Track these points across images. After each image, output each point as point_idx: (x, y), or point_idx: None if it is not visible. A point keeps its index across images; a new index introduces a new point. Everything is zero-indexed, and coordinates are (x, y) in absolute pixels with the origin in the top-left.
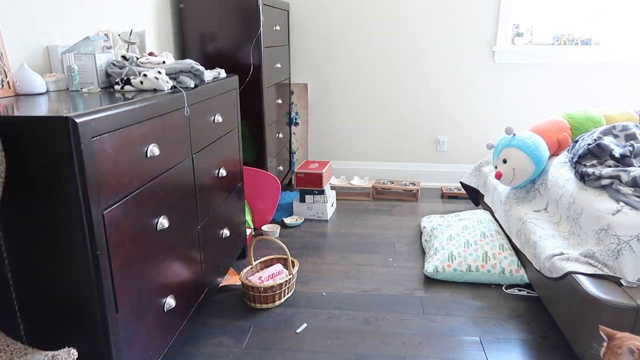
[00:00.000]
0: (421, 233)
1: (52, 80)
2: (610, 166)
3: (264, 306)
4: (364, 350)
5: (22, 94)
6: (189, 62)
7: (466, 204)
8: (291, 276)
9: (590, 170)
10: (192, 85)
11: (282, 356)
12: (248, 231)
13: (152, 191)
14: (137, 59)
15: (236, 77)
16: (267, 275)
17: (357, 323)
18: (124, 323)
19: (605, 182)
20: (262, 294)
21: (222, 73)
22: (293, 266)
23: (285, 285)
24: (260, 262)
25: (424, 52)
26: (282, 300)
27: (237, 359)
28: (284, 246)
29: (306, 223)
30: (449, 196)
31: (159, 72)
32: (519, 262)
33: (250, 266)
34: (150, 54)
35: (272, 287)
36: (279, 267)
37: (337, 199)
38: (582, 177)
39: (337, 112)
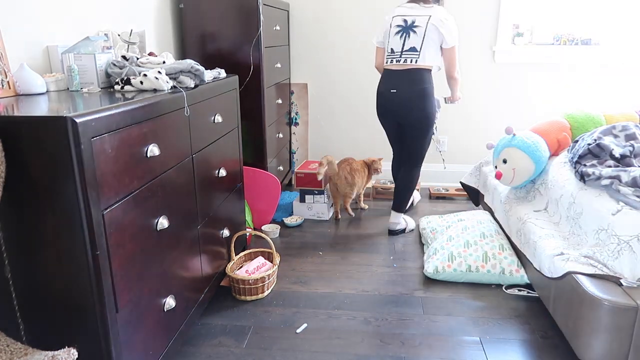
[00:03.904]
0: (419, 234)
1: (52, 80)
2: (610, 166)
3: (253, 298)
4: (364, 350)
5: (22, 94)
6: (189, 62)
7: (457, 204)
8: (276, 267)
9: (590, 170)
10: (192, 85)
11: (282, 356)
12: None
13: (152, 191)
14: (137, 59)
15: (236, 77)
16: (253, 268)
17: (357, 323)
18: (124, 323)
19: (605, 182)
20: (251, 286)
21: (222, 73)
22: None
23: (271, 277)
24: (241, 256)
25: None
26: (268, 291)
27: (237, 359)
28: (268, 238)
29: (306, 223)
30: (436, 197)
31: (159, 72)
32: (519, 262)
33: (233, 261)
34: (150, 54)
35: (262, 278)
36: (261, 259)
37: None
38: (582, 177)
39: (337, 112)
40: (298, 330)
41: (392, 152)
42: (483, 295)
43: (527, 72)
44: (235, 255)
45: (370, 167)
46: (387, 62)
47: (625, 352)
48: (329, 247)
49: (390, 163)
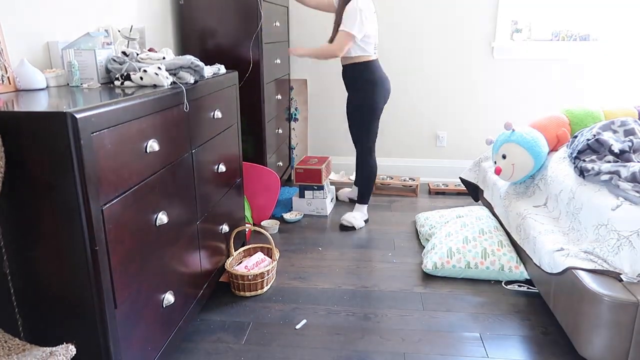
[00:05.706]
0: (416, 231)
1: (52, 75)
2: (609, 161)
3: (253, 293)
4: (364, 346)
5: (23, 89)
6: (189, 58)
7: (456, 199)
8: (275, 263)
9: (589, 165)
10: (192, 81)
11: (282, 352)
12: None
13: (151, 187)
14: (137, 54)
15: (236, 73)
16: (252, 264)
17: (357, 319)
18: (122, 319)
19: (604, 177)
20: (250, 282)
21: (222, 69)
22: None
23: (270, 273)
24: (241, 252)
25: (423, 48)
26: (267, 287)
27: (236, 355)
28: (268, 234)
29: (305, 218)
30: (436, 192)
31: (159, 67)
32: (518, 259)
33: (232, 257)
34: (150, 49)
35: (262, 274)
36: (260, 255)
37: (336, 195)
38: (582, 173)
39: (336, 107)
40: (297, 326)
41: (372, 141)
42: (483, 291)
43: (525, 68)
44: (235, 250)
45: None
46: (374, 53)
47: (626, 348)
48: (328, 242)
49: (374, 154)
